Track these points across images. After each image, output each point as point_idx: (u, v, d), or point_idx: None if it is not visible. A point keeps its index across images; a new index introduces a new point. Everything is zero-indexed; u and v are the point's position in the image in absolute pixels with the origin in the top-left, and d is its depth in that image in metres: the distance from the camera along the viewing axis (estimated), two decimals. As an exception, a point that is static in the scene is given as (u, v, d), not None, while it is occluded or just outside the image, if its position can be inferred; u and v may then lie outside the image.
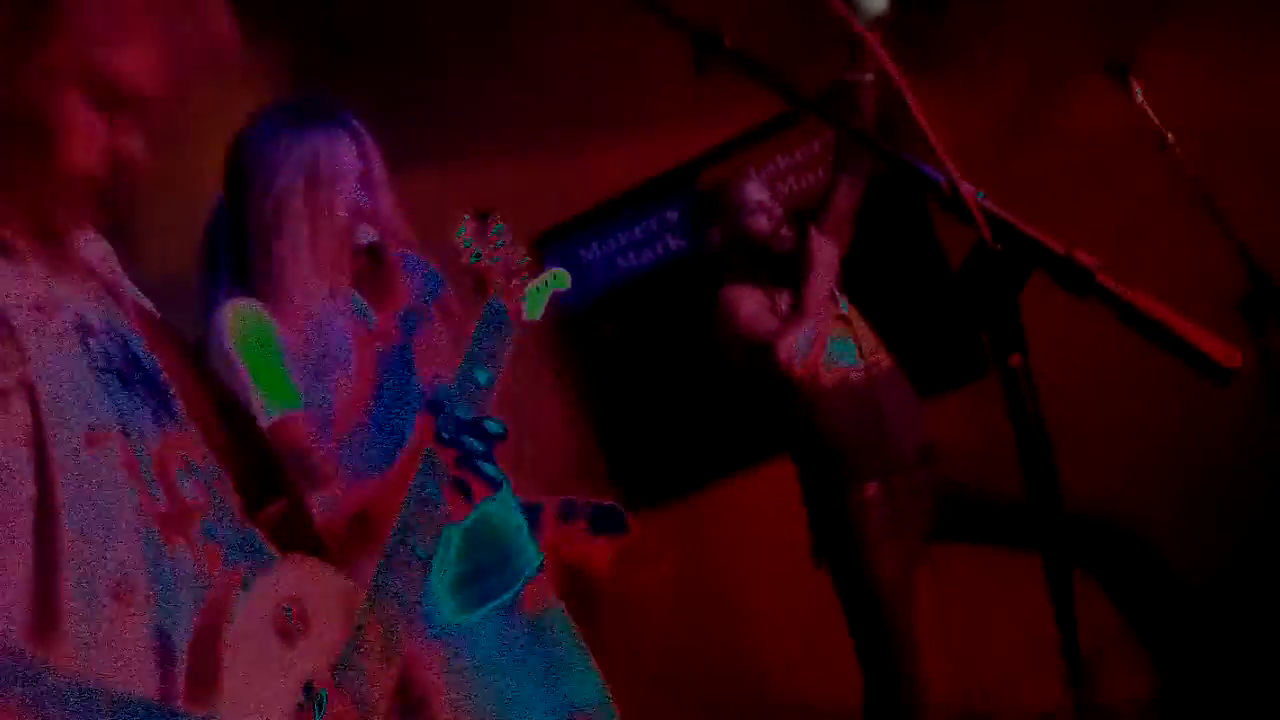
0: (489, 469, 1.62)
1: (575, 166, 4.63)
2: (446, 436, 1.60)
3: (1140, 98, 3.18)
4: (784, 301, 3.36)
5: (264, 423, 1.90)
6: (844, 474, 3.23)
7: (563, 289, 3.60)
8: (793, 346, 3.16)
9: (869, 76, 3.25)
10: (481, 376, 1.72)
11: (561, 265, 4.71)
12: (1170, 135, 3.18)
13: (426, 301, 2.23)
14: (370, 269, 2.17)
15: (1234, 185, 3.30)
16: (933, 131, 1.23)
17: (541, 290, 3.56)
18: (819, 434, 3.28)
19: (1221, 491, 3.84)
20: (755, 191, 3.54)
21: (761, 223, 3.48)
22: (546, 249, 4.81)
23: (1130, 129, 3.22)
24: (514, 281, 1.94)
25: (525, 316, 3.43)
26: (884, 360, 3.36)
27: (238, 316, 2.04)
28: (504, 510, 2.38)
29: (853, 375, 3.30)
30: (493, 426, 1.65)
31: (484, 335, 1.78)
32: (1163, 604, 3.09)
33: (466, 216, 1.92)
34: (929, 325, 4.14)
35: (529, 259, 1.98)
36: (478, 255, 1.90)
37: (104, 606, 1.15)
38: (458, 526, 2.03)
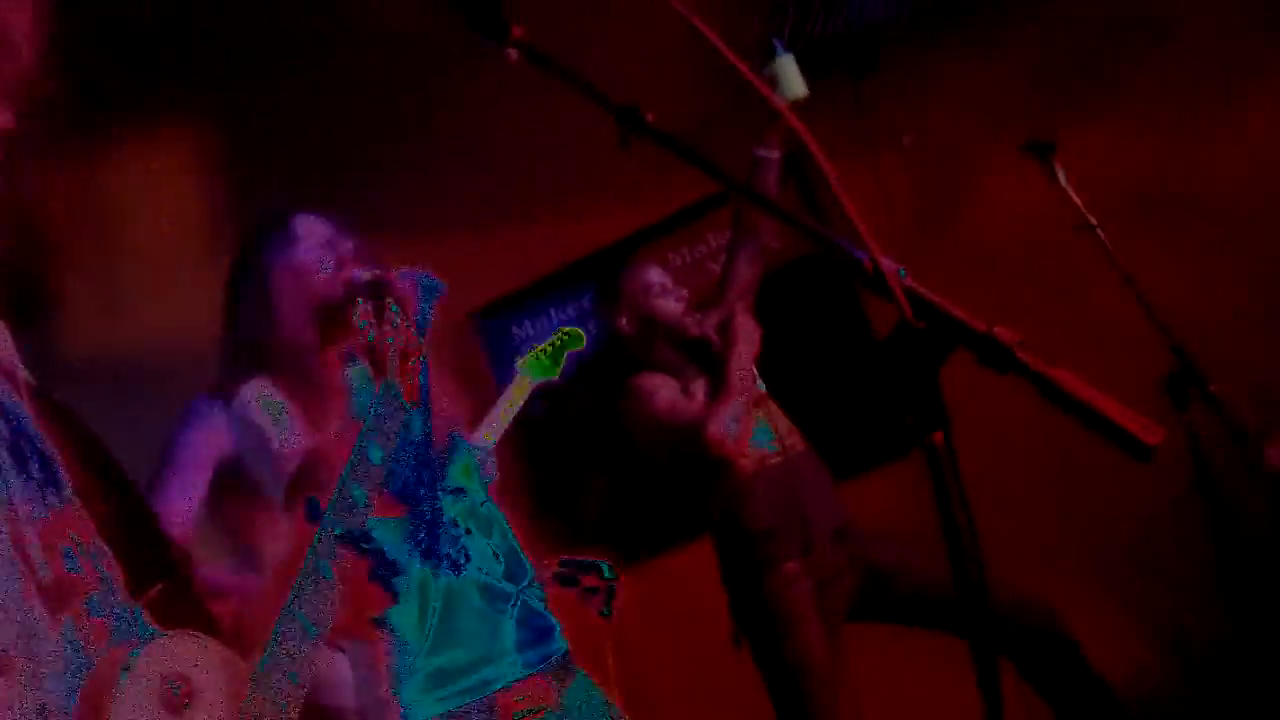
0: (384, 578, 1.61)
1: (509, 243, 4.64)
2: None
3: (1062, 178, 3.25)
4: (698, 387, 3.34)
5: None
6: (764, 555, 3.21)
7: (579, 349, 3.66)
8: (723, 424, 3.15)
9: (776, 154, 3.30)
10: (375, 455, 1.72)
11: (495, 342, 4.75)
12: (1092, 217, 3.25)
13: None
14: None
15: (1156, 264, 3.36)
16: (855, 209, 1.24)
17: (555, 350, 3.63)
18: (739, 517, 3.26)
19: (1144, 570, 3.87)
20: (657, 275, 3.52)
21: (669, 304, 3.46)
22: (489, 321, 4.81)
23: (1052, 206, 3.28)
24: (409, 363, 1.95)
25: (540, 369, 3.46)
26: (798, 443, 3.36)
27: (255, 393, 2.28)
28: (493, 598, 2.30)
29: (770, 459, 3.28)
30: (376, 537, 1.64)
31: (378, 414, 1.78)
32: (1076, 691, 3.11)
33: (359, 300, 1.95)
34: (855, 402, 4.16)
35: (423, 339, 2.00)
36: (373, 335, 1.91)
37: None
38: (442, 600, 2.15)
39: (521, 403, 3.46)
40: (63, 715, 1.20)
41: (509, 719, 2.21)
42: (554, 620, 2.37)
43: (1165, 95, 4.08)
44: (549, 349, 3.60)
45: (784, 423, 3.38)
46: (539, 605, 2.34)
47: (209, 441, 2.42)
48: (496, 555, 2.29)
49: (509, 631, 2.27)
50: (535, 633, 2.30)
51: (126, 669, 1.21)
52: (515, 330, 4.85)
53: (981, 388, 1.54)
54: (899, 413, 1.15)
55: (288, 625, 1.44)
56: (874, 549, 3.27)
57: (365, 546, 1.60)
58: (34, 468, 1.28)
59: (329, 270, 2.31)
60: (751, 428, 3.23)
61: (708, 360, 3.33)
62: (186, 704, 1.26)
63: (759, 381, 3.37)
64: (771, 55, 3.30)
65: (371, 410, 1.79)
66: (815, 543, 3.22)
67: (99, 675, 1.21)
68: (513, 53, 1.41)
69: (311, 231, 2.39)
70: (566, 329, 3.66)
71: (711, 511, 3.32)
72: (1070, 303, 3.82)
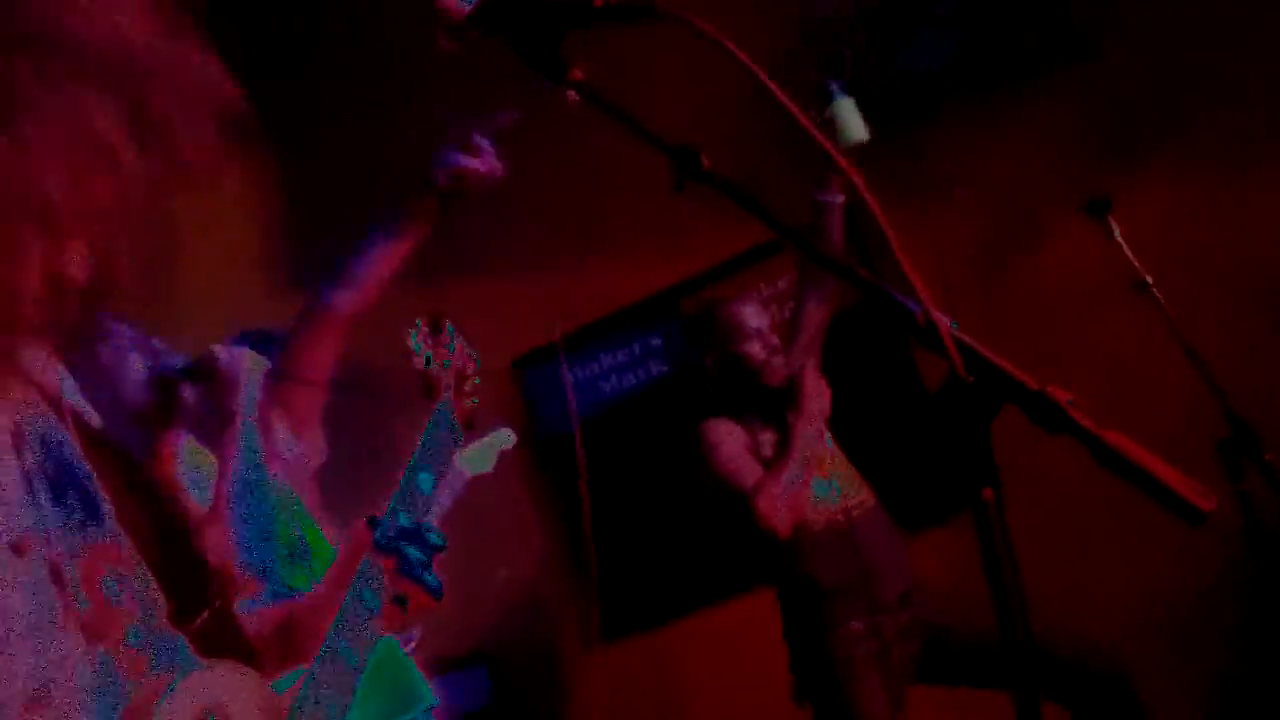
0: (430, 579, 1.59)
1: (560, 289, 4.65)
2: (384, 542, 1.57)
3: (1119, 237, 3.22)
4: (767, 440, 3.28)
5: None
6: (828, 613, 3.15)
7: (508, 446, 3.98)
8: (773, 502, 3.08)
9: (840, 199, 3.27)
10: (425, 481, 1.70)
11: (544, 386, 4.78)
12: (1149, 276, 3.21)
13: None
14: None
15: (1212, 326, 3.31)
16: (908, 261, 1.23)
17: (489, 447, 3.91)
18: (803, 575, 3.20)
19: (1200, 634, 3.79)
20: (752, 317, 3.44)
21: (755, 349, 3.39)
22: (529, 370, 4.81)
23: (1108, 266, 3.24)
24: (465, 386, 1.94)
25: (477, 463, 3.66)
26: (868, 500, 3.29)
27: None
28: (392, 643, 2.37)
29: (838, 516, 3.22)
30: (434, 538, 1.62)
31: (430, 439, 1.77)
32: None
33: (419, 321, 1.94)
34: (908, 459, 4.11)
35: (479, 364, 1.99)
36: (428, 359, 1.90)
37: (21, 713, 1.14)
38: None
39: (454, 492, 3.72)
40: None
41: None
42: (418, 684, 2.36)
43: (1226, 152, 4.03)
44: (485, 446, 3.91)
45: (856, 480, 3.31)
46: (399, 666, 2.35)
47: None
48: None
49: (411, 662, 2.31)
50: (388, 692, 2.28)
51: (163, 700, 1.21)
52: (567, 375, 4.85)
53: (1033, 446, 1.52)
54: (950, 469, 1.14)
55: (328, 654, 1.43)
56: (939, 611, 3.20)
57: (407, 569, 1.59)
58: (74, 501, 1.29)
59: (141, 373, 2.32)
60: (808, 496, 3.17)
61: (780, 412, 3.28)
62: None
63: (829, 439, 3.31)
64: (829, 99, 3.27)
65: (424, 435, 1.77)
66: (881, 604, 3.15)
67: (136, 706, 1.21)
68: (571, 93, 1.41)
69: (120, 335, 2.38)
70: (501, 430, 3.99)
71: (776, 565, 3.26)
72: (1124, 362, 3.77)
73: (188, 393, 2.27)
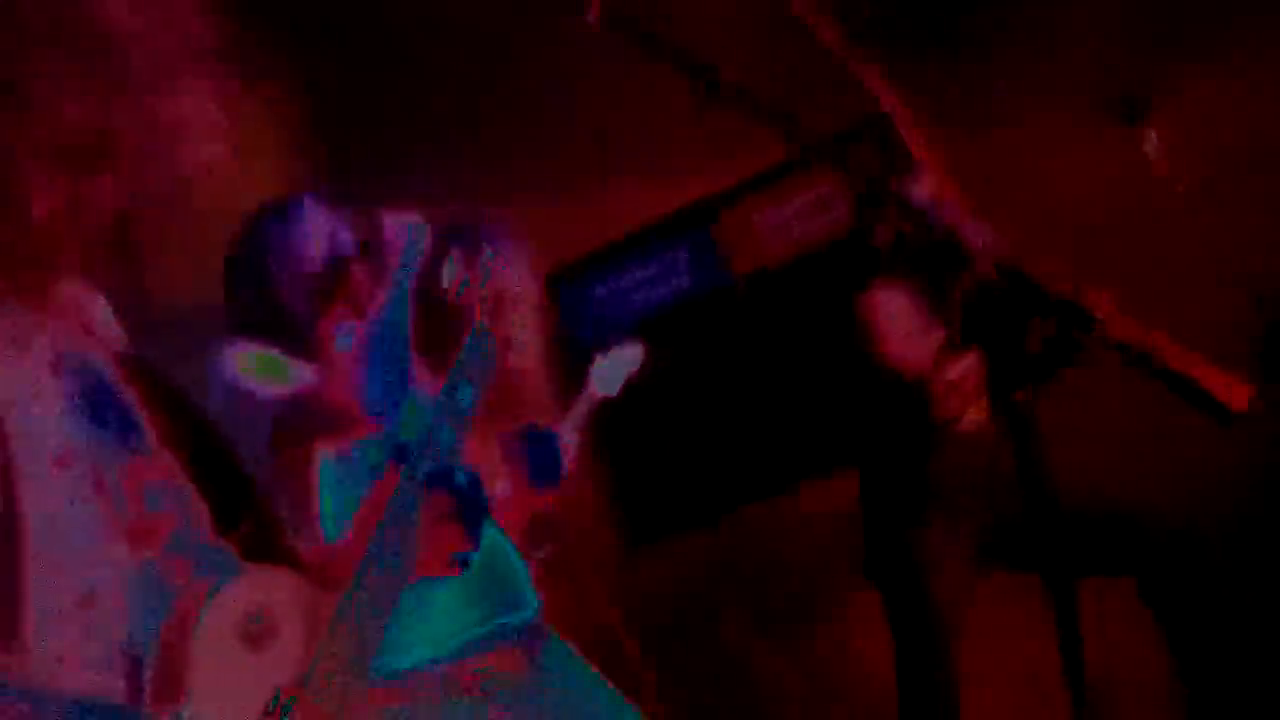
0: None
1: (588, 205, 4.65)
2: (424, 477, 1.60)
3: (1154, 141, 3.18)
4: (938, 326, 3.15)
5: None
6: (930, 507, 3.13)
7: (635, 369, 3.55)
8: (949, 386, 3.02)
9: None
10: (465, 398, 1.74)
11: (573, 302, 4.77)
12: (1184, 179, 3.18)
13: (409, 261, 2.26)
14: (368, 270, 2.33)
15: (1248, 227, 3.29)
16: (941, 170, 1.23)
17: (617, 365, 3.55)
18: (924, 466, 3.15)
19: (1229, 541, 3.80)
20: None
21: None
22: (559, 286, 4.82)
23: (1146, 171, 3.21)
24: (502, 308, 1.98)
25: (607, 383, 3.44)
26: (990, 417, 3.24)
27: (243, 355, 2.25)
28: (504, 544, 2.38)
29: (973, 424, 3.15)
30: (460, 478, 1.66)
31: (468, 360, 1.80)
32: (1199, 617, 3.01)
33: (451, 254, 1.99)
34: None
35: (518, 289, 2.03)
36: (466, 283, 1.95)
37: (69, 616, 1.20)
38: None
39: (579, 418, 3.40)
40: (151, 647, 1.25)
41: (470, 689, 2.19)
42: (526, 588, 2.38)
43: (1262, 54, 3.96)
44: (614, 364, 3.53)
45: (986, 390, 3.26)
46: (509, 568, 2.36)
47: None
48: None
49: (467, 590, 2.26)
50: (496, 593, 2.30)
51: (208, 603, 1.25)
52: (594, 291, 4.87)
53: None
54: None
55: (371, 565, 1.46)
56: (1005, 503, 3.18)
57: (451, 487, 1.62)
58: (113, 420, 1.34)
59: (324, 249, 2.34)
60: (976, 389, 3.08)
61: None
62: (268, 637, 1.30)
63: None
64: None
65: (462, 355, 1.80)
66: (979, 504, 3.12)
67: (181, 610, 1.26)
68: (593, 15, 1.42)
69: (310, 215, 2.41)
70: (627, 348, 3.59)
71: (887, 442, 3.23)
72: (1162, 268, 3.75)
73: (358, 270, 2.29)
